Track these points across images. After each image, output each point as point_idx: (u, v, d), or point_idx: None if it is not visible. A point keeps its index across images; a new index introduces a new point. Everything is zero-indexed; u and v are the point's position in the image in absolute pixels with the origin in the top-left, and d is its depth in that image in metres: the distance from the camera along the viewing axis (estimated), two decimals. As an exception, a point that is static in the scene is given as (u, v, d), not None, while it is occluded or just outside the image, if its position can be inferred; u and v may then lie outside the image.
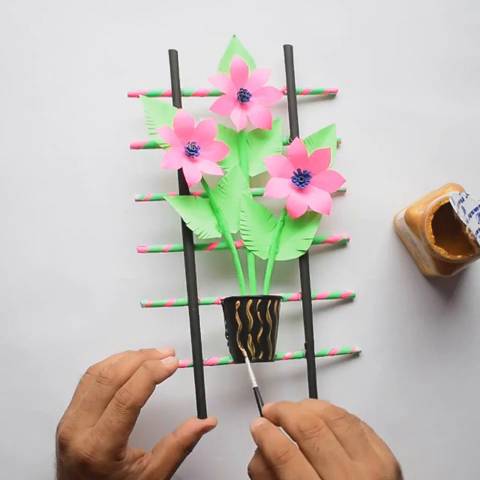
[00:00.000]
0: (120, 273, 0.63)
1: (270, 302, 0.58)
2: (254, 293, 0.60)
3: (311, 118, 0.62)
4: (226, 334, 0.59)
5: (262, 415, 0.51)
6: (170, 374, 0.55)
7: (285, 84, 0.61)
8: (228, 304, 0.59)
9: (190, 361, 0.59)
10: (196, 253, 0.60)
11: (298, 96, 0.62)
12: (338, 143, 0.62)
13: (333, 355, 0.61)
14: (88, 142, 0.63)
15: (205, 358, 0.59)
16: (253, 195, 0.60)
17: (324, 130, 0.61)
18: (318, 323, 0.62)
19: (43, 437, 0.60)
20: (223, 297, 0.59)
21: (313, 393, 0.60)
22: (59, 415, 0.55)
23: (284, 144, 0.61)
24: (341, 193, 0.63)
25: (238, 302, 0.58)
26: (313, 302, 0.61)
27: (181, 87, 0.61)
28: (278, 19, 0.64)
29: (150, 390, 0.54)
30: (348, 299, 0.63)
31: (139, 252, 0.60)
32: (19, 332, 0.63)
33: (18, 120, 0.64)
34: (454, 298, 0.63)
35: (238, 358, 0.58)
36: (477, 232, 0.53)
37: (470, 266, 0.62)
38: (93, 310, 0.62)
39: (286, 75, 0.61)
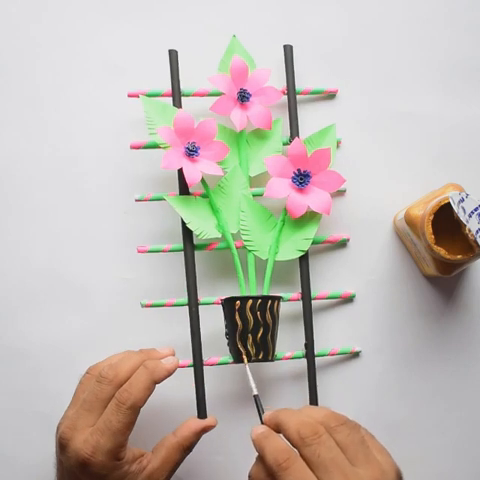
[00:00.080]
0: (120, 273, 0.63)
1: (270, 302, 0.58)
2: (254, 293, 0.60)
3: (311, 118, 0.62)
4: (226, 334, 0.59)
5: (263, 423, 0.51)
6: (170, 374, 0.55)
7: (285, 84, 0.61)
8: (228, 304, 0.59)
9: (190, 361, 0.59)
10: (196, 253, 0.60)
11: (298, 96, 0.62)
12: (338, 143, 0.62)
13: (333, 355, 0.61)
14: (88, 142, 0.63)
15: (205, 358, 0.59)
16: (253, 195, 0.60)
17: (324, 130, 0.61)
18: (318, 323, 0.62)
19: (43, 437, 0.60)
20: (223, 297, 0.59)
21: (313, 393, 0.60)
22: (59, 415, 0.55)
23: (284, 144, 0.61)
24: (341, 193, 0.63)
25: (238, 302, 0.58)
26: (313, 302, 0.61)
27: (181, 87, 0.61)
28: (278, 19, 0.64)
29: (150, 390, 0.54)
30: (348, 299, 0.63)
31: (139, 252, 0.60)
32: (19, 332, 0.63)
33: (18, 120, 0.64)
34: (454, 298, 0.63)
35: (238, 358, 0.58)
36: (477, 232, 0.53)
37: (470, 266, 0.62)
38: (93, 310, 0.62)
39: (286, 75, 0.61)
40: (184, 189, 0.60)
